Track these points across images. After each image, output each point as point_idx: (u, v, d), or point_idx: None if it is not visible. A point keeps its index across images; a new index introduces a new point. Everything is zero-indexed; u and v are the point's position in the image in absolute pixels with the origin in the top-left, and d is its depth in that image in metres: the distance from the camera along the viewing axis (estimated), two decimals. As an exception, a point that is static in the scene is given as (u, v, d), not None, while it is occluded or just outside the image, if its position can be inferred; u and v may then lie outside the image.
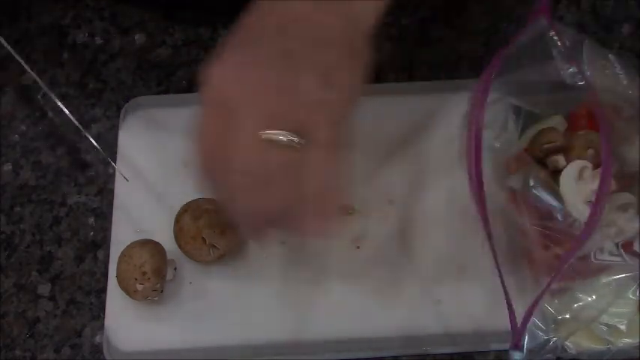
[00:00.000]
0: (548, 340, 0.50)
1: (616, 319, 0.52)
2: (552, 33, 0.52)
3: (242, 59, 0.43)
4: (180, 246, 0.57)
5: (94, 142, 0.59)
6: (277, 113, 0.42)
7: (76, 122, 0.57)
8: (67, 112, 0.57)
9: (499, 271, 0.50)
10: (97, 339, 0.58)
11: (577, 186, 0.52)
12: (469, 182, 0.51)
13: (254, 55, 0.43)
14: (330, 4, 0.44)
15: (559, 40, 0.52)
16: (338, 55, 0.43)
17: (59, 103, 0.57)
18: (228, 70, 0.43)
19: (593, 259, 0.49)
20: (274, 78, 0.42)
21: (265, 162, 0.42)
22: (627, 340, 0.53)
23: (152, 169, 0.62)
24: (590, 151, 0.54)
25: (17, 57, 0.55)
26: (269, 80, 0.42)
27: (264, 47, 0.43)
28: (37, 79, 0.56)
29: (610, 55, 0.54)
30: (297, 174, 0.43)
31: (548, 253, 0.52)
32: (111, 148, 0.64)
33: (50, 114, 0.66)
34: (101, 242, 0.61)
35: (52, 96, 0.56)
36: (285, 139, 0.42)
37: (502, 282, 0.50)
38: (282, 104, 0.42)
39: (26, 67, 0.55)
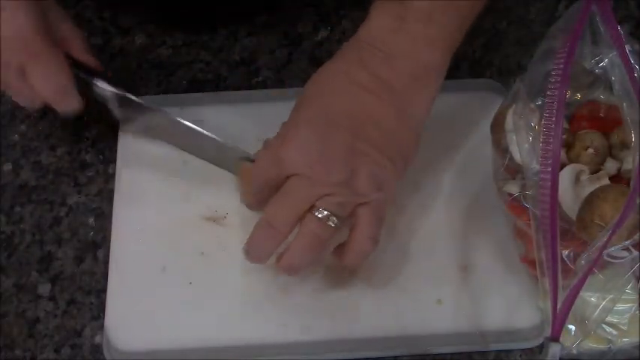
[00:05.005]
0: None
1: (617, 317, 0.52)
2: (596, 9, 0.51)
3: (313, 137, 0.50)
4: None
5: None
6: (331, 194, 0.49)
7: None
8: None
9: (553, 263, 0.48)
10: (97, 339, 0.58)
11: (574, 189, 0.52)
12: (542, 154, 0.48)
13: (324, 136, 0.50)
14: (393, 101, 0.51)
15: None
16: (390, 160, 0.51)
17: None
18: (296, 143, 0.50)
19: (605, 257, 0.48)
20: (338, 165, 0.49)
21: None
22: (627, 340, 0.53)
23: (152, 169, 0.62)
24: (590, 151, 0.54)
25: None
26: (332, 164, 0.49)
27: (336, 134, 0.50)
28: None
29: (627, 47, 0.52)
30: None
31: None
32: (111, 148, 0.64)
33: (50, 114, 0.66)
34: (101, 242, 0.61)
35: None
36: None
37: (554, 275, 0.48)
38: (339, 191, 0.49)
39: None
